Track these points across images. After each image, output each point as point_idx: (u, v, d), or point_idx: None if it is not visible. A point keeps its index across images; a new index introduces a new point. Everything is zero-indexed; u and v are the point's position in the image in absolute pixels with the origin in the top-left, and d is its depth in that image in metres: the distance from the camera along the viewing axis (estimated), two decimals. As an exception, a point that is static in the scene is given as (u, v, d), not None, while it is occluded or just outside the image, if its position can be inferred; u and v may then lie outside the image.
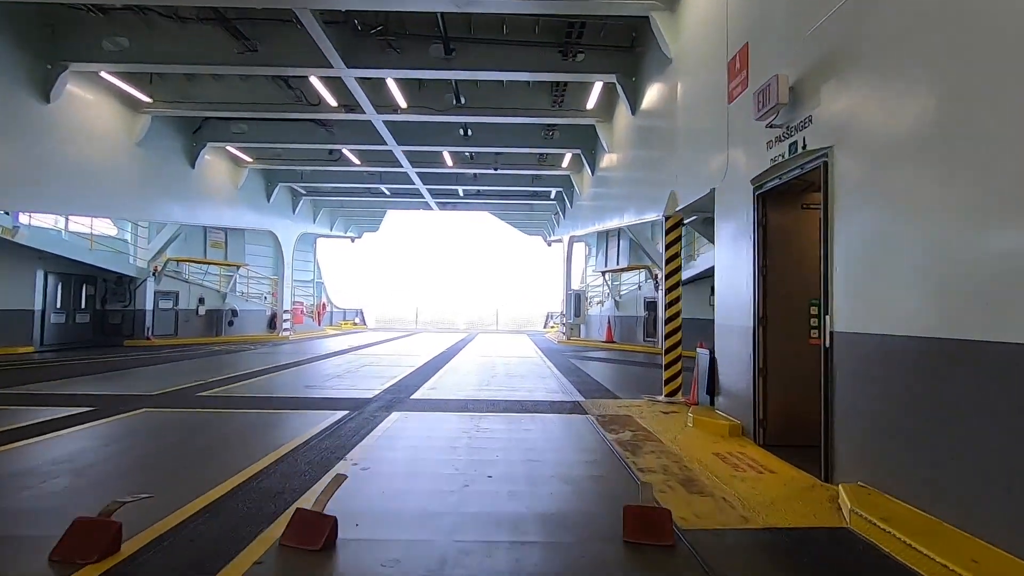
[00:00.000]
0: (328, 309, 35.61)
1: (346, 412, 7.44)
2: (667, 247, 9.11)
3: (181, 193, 17.23)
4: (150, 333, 19.42)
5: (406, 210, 28.65)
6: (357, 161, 19.30)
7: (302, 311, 26.64)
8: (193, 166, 17.23)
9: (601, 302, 24.42)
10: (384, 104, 14.18)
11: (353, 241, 35.39)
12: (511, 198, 25.44)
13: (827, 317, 4.69)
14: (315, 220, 27.94)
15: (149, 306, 19.53)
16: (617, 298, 22.61)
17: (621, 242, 21.49)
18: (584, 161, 17.60)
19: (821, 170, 4.80)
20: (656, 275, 19.40)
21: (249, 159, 19.37)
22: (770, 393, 5.95)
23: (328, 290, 36.02)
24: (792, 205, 6.14)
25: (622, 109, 13.05)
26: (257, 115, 14.82)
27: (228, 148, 18.59)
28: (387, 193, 24.50)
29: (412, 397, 8.86)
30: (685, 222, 9.51)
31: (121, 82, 13.13)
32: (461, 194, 24.70)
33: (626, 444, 5.94)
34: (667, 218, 9.12)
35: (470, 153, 19.08)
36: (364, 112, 14.27)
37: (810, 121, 5.01)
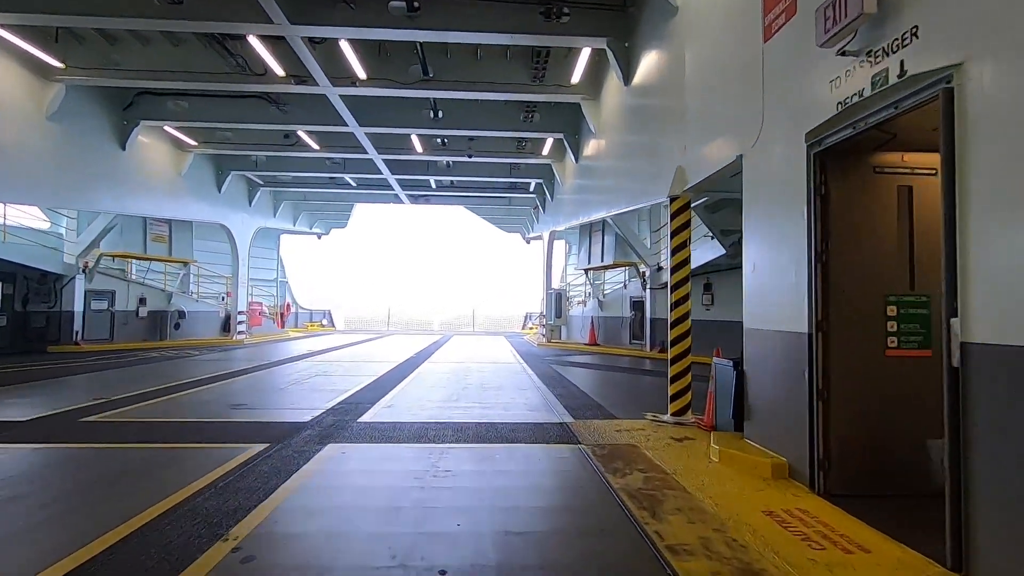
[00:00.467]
0: (293, 310, 33.43)
1: (265, 446, 5.66)
2: (673, 234, 7.52)
3: (110, 178, 15.10)
4: (79, 337, 17.20)
5: (375, 203, 26.71)
6: (315, 145, 17.36)
7: (261, 312, 24.53)
8: (124, 147, 15.10)
9: (583, 302, 22.89)
10: (340, 75, 12.35)
11: (320, 238, 33.26)
12: (487, 191, 23.74)
13: (954, 321, 3.11)
14: (276, 214, 25.82)
15: (79, 307, 17.32)
16: (601, 298, 21.09)
17: (606, 238, 20.00)
18: (567, 147, 16.00)
19: (941, 102, 3.22)
20: (644, 273, 17.94)
21: (193, 142, 17.27)
22: (833, 423, 4.38)
23: (293, 290, 33.83)
24: (860, 169, 4.58)
25: (613, 82, 11.47)
26: (193, 87, 12.82)
27: (167, 128, 16.47)
28: (353, 184, 22.56)
29: (360, 420, 7.11)
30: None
31: (23, 41, 11.07)
32: (433, 186, 22.91)
33: (639, 496, 4.30)
34: (672, 200, 7.53)
35: (441, 139, 17.33)
36: (317, 84, 12.42)
37: (915, 34, 3.44)
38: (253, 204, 23.13)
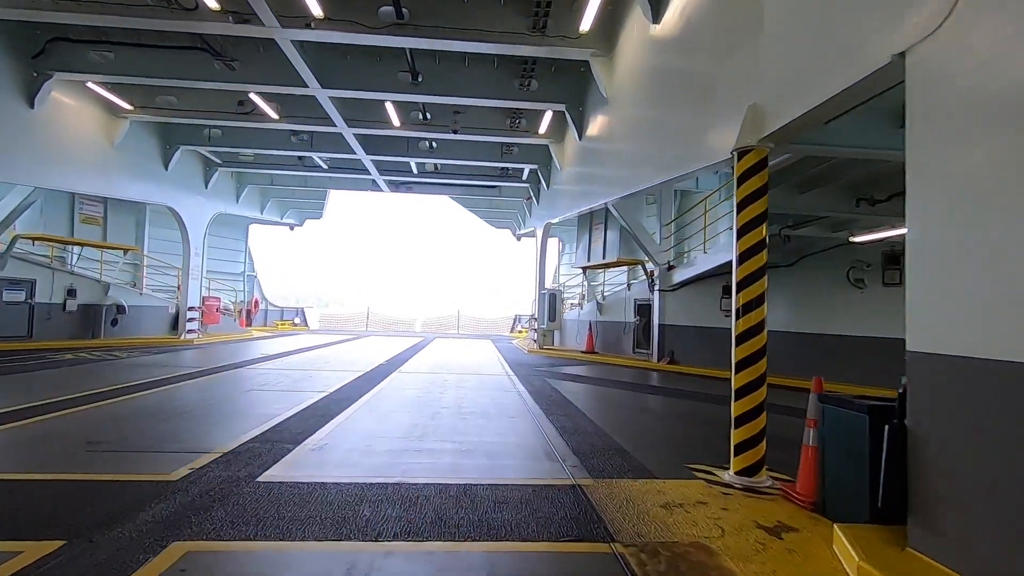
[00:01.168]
0: (262, 307, 30.71)
1: (47, 552, 3.17)
2: (740, 206, 5.14)
3: (17, 143, 12.43)
4: (-16, 334, 14.48)
5: (351, 190, 24.12)
6: (274, 115, 14.80)
7: (219, 308, 21.84)
8: (32, 104, 12.44)
9: (579, 304, 20.51)
10: (291, 13, 9.86)
11: (292, 229, 30.54)
12: (475, 177, 21.28)
13: None
14: (239, 199, 23.13)
15: (-14, 298, 14.60)
16: (600, 300, 18.73)
17: (608, 233, 17.63)
18: (570, 121, 13.62)
19: None
20: (652, 272, 15.60)
21: (127, 106, 14.60)
22: None
23: (263, 285, 31.08)
24: None
25: (635, 25, 9.10)
26: (103, 24, 10.23)
27: (93, 87, 13.81)
28: (324, 166, 19.97)
29: (263, 476, 4.62)
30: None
31: None
32: (415, 170, 20.40)
33: None
34: (741, 155, 5.15)
35: (422, 110, 14.85)
36: (262, 24, 9.91)
37: None
38: (210, 186, 20.45)
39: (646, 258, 15.75)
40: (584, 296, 21.22)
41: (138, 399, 8.09)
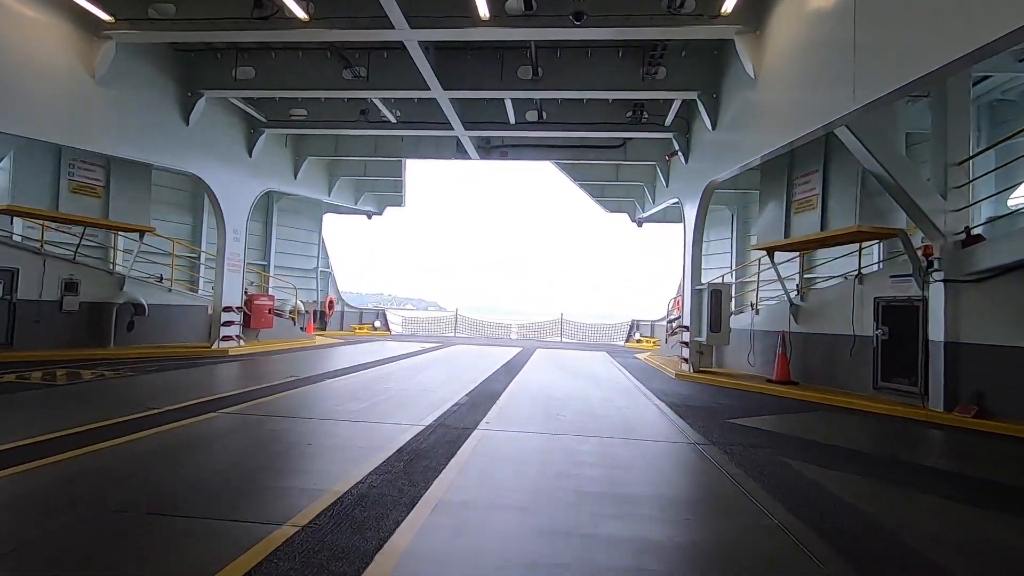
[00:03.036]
0: (338, 308, 26.72)
1: None
2: None
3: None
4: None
5: (431, 159, 18.90)
6: (302, 13, 9.78)
7: (271, 310, 17.60)
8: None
9: (755, 308, 13.88)
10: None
11: (370, 217, 26.23)
12: (595, 127, 14.99)
13: None
14: (296, 175, 18.83)
15: (-55, 293, 10.82)
16: (796, 300, 12.05)
17: (832, 186, 10.54)
18: (701, 108, 7.32)
19: None
20: (927, 249, 8.84)
21: (107, 16, 10.21)
22: None
23: (338, 283, 27.09)
24: None
25: None
26: None
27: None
28: (392, 119, 14.89)
29: None
30: None
31: None
32: (512, 119, 14.73)
33: None
34: None
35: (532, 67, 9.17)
36: None
37: None
38: (255, 154, 16.12)
39: (913, 223, 8.99)
40: (754, 298, 14.60)
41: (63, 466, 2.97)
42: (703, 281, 13.74)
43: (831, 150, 10.12)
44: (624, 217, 25.66)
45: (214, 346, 14.71)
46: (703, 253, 14.42)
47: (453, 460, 5.22)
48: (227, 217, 15.00)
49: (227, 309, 15.17)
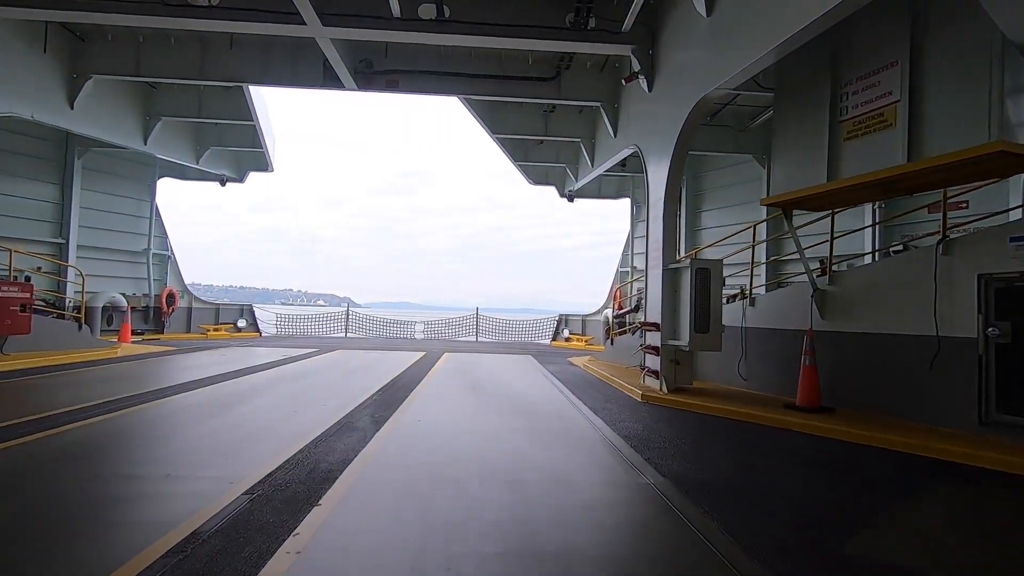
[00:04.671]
0: (182, 303, 20.31)
1: None
2: None
3: None
4: None
5: (287, 87, 13.26)
6: None
7: (25, 304, 11.34)
8: None
9: (744, 294, 9.83)
10: None
11: (223, 184, 20.00)
12: (515, 35, 10.27)
13: None
14: (74, 101, 12.54)
15: None
16: (825, 283, 8.03)
17: (938, 82, 6.20)
18: None
19: None
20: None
21: None
22: None
23: (181, 269, 20.66)
24: None
25: None
26: None
27: None
28: (206, 2, 9.40)
29: None
30: None
31: None
32: (399, 15, 9.68)
33: None
34: None
35: None
36: None
37: None
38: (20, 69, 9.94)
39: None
40: (747, 281, 10.65)
41: None
42: (681, 256, 9.47)
43: (929, 20, 5.98)
44: (551, 191, 21.26)
45: None
46: (700, 227, 10.15)
47: None
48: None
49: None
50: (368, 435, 5.81)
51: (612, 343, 13.91)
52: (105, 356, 12.61)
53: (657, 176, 9.77)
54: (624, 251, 21.44)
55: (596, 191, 20.95)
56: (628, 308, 16.76)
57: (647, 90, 10.22)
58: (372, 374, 11.14)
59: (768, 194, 8.37)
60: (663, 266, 9.26)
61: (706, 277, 8.59)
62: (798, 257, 8.24)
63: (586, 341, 21.54)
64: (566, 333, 22.78)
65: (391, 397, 8.29)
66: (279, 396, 8.19)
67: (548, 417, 7.25)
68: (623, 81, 10.53)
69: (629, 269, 20.66)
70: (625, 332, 14.51)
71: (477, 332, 24.64)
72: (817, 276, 8.28)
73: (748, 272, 9.89)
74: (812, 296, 8.05)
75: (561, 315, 23.69)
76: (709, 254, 11.18)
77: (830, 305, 7.97)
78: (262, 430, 5.96)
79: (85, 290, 17.32)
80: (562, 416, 7.37)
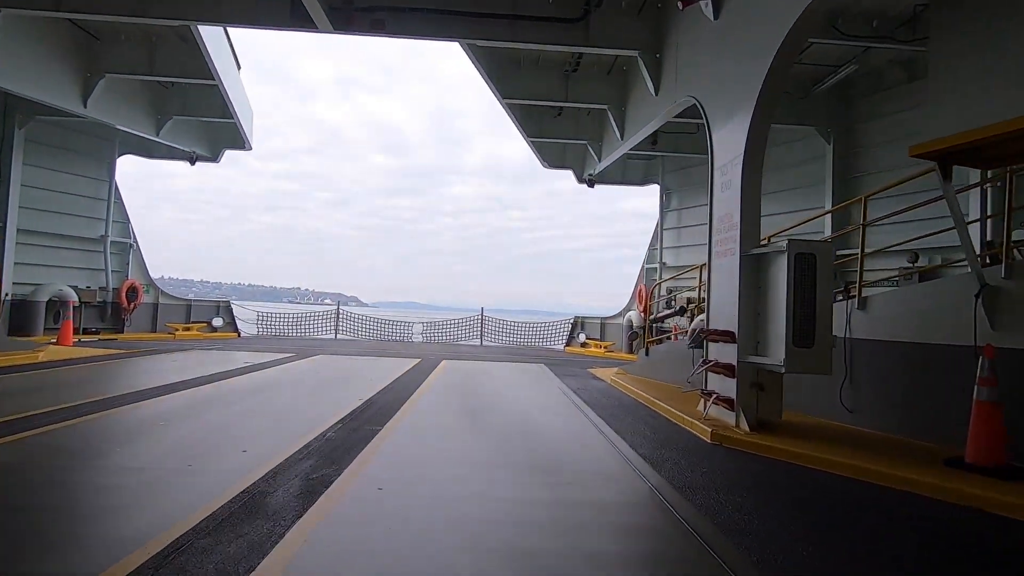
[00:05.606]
0: (146, 299, 17.85)
1: None
2: None
3: None
4: None
5: (247, 27, 10.79)
6: None
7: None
8: None
9: (849, 291, 7.18)
10: None
11: (192, 162, 17.49)
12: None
13: None
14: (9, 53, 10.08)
15: None
16: (1001, 276, 5.38)
17: None
18: None
19: None
20: None
21: None
22: None
23: (144, 259, 18.22)
24: None
25: None
26: None
27: None
28: None
29: None
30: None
31: None
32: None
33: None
34: None
35: None
36: None
37: None
38: None
39: None
40: (855, 275, 8.04)
41: None
42: (763, 240, 6.82)
43: None
44: (568, 178, 18.65)
45: None
46: (687, 221, 7.55)
47: None
48: None
49: None
50: (270, 539, 3.17)
51: (647, 353, 11.24)
52: (17, 362, 10.10)
53: (729, 133, 7.13)
54: (651, 245, 18.77)
55: (620, 175, 18.30)
56: (669, 310, 14.06)
57: (712, 17, 7.58)
58: (345, 390, 8.58)
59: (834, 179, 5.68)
60: (740, 252, 6.62)
61: (810, 266, 5.95)
62: (900, 248, 5.58)
63: (605, 347, 18.90)
64: (582, 338, 20.14)
65: (352, 436, 5.69)
66: (188, 433, 5.62)
67: (586, 477, 4.65)
68: (679, 4, 7.88)
69: (657, 266, 18.00)
70: (663, 340, 11.86)
71: (482, 335, 22.04)
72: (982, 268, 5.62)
73: (857, 263, 7.17)
74: (978, 295, 5.39)
75: (577, 317, 21.04)
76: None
77: (1007, 309, 5.32)
78: (84, 519, 3.38)
79: (25, 281, 14.93)
80: (608, 475, 4.77)
